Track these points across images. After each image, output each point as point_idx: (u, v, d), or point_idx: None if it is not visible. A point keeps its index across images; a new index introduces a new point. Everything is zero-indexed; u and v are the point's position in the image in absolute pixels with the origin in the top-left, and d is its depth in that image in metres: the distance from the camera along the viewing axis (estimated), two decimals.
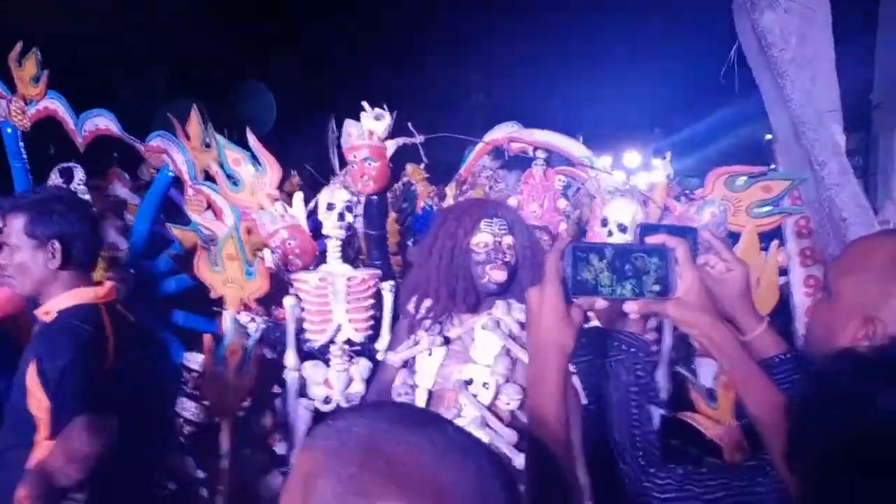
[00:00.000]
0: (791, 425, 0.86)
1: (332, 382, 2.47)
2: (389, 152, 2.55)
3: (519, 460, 1.96)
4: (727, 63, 2.82)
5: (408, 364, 2.28)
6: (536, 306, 1.05)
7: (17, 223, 1.81)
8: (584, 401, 1.55)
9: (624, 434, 1.39)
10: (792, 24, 2.46)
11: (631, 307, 1.05)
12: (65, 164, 3.39)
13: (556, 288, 1.03)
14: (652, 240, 1.08)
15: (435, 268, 2.22)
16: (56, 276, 1.83)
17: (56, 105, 3.27)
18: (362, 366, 2.51)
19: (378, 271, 2.57)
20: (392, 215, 3.42)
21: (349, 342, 2.51)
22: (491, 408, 2.11)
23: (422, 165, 4.60)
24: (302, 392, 2.51)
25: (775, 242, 2.51)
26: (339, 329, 2.48)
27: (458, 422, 2.14)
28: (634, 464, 1.36)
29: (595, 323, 1.67)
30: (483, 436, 2.04)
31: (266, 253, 2.68)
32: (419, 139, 2.56)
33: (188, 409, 2.44)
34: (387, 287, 2.56)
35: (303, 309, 2.49)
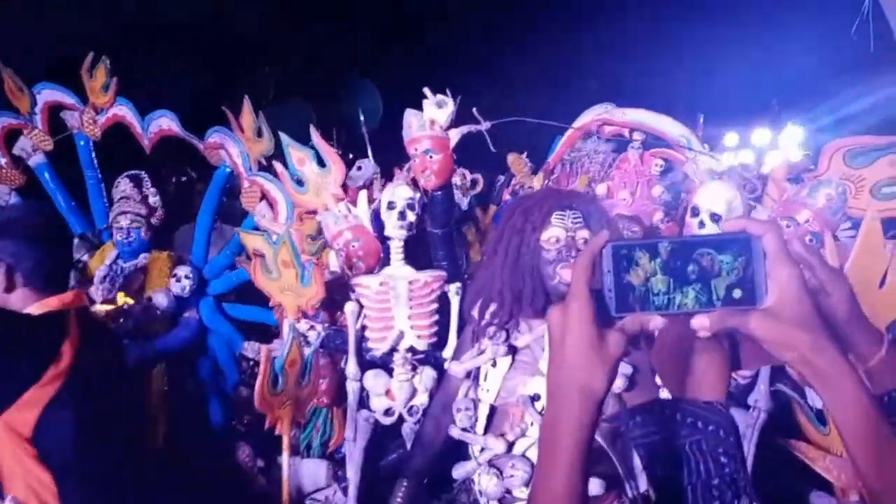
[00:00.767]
0: None
1: (395, 393, 2.30)
2: (453, 143, 2.34)
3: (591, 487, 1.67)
4: (860, 15, 2.35)
5: (472, 375, 2.05)
6: (557, 331, 0.77)
7: None
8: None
9: None
10: None
11: (700, 323, 0.74)
12: (133, 172, 3.39)
13: (585, 304, 0.74)
14: (730, 226, 0.76)
15: (500, 267, 1.98)
16: (6, 299, 1.79)
17: (124, 111, 3.32)
18: (426, 376, 2.31)
19: (443, 273, 2.36)
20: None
21: (412, 350, 2.32)
22: None
23: (524, 154, 4.36)
24: (364, 403, 2.36)
25: None
26: (401, 336, 2.30)
27: (523, 443, 1.90)
28: None
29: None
30: None
31: (331, 255, 2.56)
32: (485, 126, 2.32)
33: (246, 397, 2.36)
34: (453, 290, 2.35)
35: (365, 315, 2.34)
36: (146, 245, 3.13)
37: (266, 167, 2.93)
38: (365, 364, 2.35)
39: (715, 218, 1.90)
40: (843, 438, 0.75)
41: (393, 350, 2.32)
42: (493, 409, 1.98)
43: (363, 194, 2.53)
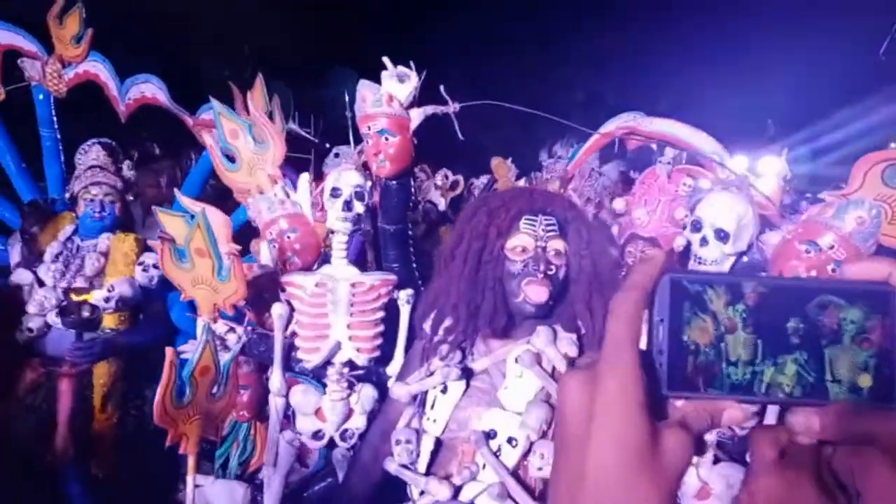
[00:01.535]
0: None
1: (326, 413, 1.95)
2: (414, 125, 2.00)
3: None
4: (890, 36, 2.10)
5: (418, 401, 1.73)
6: (577, 427, 0.42)
7: None
8: None
9: None
10: None
11: (805, 422, 0.42)
12: (103, 139, 3.01)
13: (632, 383, 0.41)
14: (861, 270, 0.44)
15: (457, 276, 1.66)
16: None
17: (98, 68, 2.97)
18: (365, 396, 1.97)
19: (393, 277, 2.02)
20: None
21: (350, 365, 1.97)
22: (517, 472, 1.53)
23: (510, 160, 4.07)
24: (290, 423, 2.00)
25: None
26: (337, 347, 1.95)
27: (471, 489, 1.58)
28: None
29: None
30: None
31: (263, 246, 2.20)
32: (453, 108, 1.99)
33: None
34: (403, 297, 2.01)
35: (297, 321, 1.99)
36: (117, 223, 2.77)
37: None
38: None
39: (721, 235, 1.60)
40: None
41: (327, 363, 1.97)
42: (438, 444, 1.66)
43: (304, 176, 2.17)
